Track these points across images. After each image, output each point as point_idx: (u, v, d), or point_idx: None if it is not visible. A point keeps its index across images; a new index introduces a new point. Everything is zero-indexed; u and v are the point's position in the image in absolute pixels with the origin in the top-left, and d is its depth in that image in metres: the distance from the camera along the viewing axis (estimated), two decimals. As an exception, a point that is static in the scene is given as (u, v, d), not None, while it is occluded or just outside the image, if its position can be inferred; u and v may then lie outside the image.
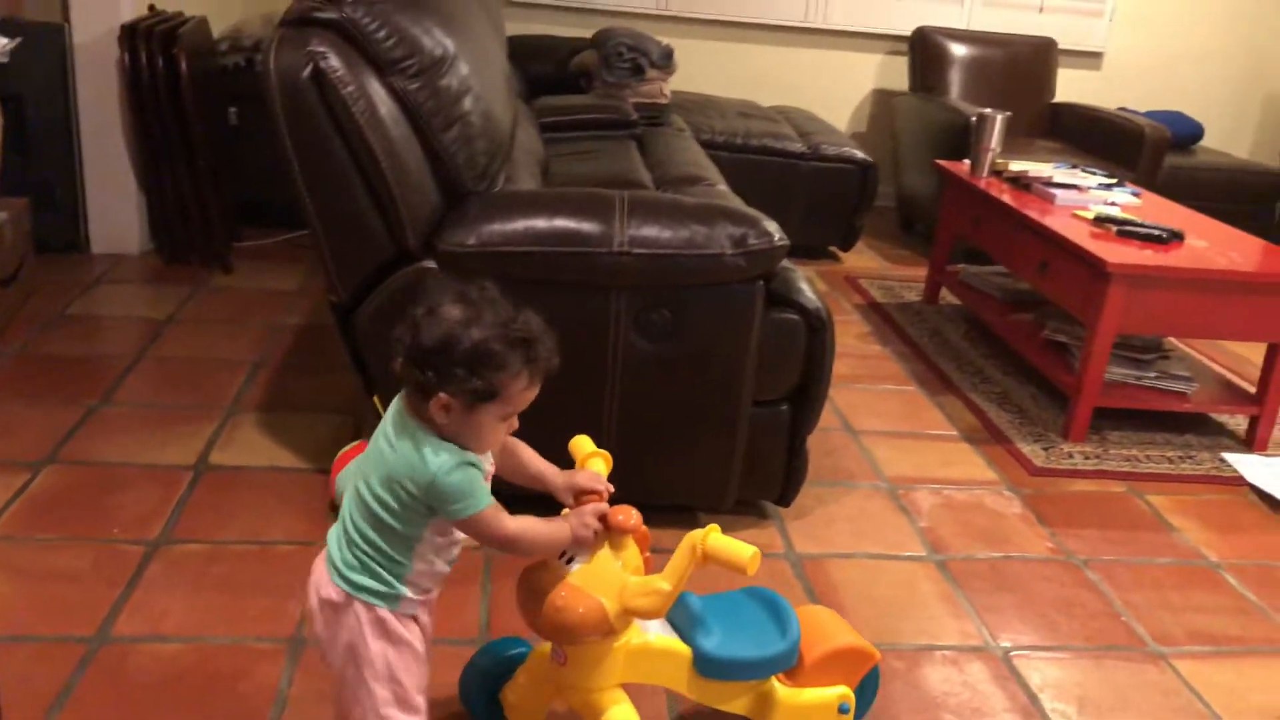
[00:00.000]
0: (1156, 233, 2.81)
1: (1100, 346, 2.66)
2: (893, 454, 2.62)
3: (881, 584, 2.08)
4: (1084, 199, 3.18)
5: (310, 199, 1.88)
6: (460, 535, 1.28)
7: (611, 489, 1.39)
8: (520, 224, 1.89)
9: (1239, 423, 2.92)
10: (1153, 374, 2.85)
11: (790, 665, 1.51)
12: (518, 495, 1.36)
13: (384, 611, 1.25)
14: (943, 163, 3.68)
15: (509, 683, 1.52)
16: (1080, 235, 2.80)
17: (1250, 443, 2.83)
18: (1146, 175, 4.30)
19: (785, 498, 2.24)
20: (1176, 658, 1.94)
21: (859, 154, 4.09)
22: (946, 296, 3.81)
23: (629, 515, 1.34)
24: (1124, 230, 2.84)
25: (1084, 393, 2.71)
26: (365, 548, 1.24)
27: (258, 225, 3.78)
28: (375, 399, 2.04)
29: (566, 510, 1.37)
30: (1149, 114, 4.80)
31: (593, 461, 1.43)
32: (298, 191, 1.87)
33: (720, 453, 2.08)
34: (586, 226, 1.88)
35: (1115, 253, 2.65)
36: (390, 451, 1.22)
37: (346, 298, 1.97)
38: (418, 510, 1.22)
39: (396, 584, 1.25)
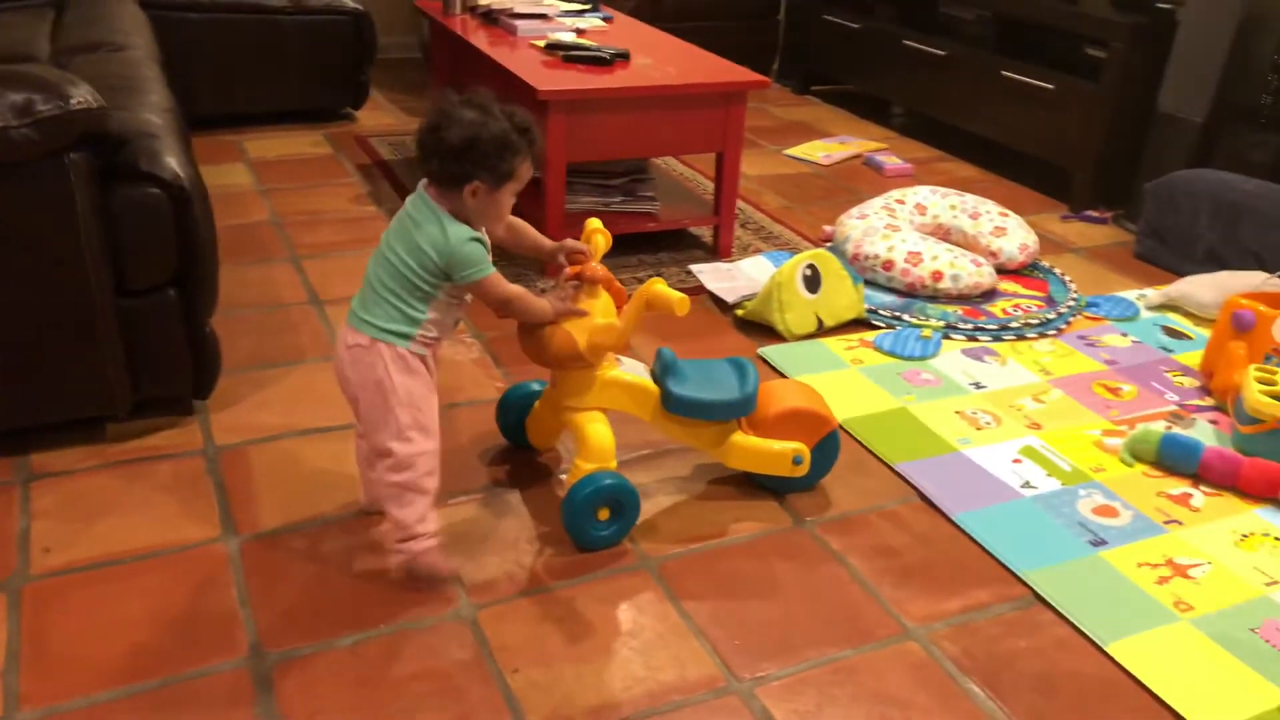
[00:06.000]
0: (602, 55, 2.80)
1: (554, 178, 2.63)
2: (356, 320, 2.49)
3: (308, 461, 1.97)
4: (547, 28, 3.11)
5: None
6: (465, 299, 1.62)
7: (595, 255, 1.76)
8: None
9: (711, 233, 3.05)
10: (618, 198, 2.88)
11: (744, 414, 1.85)
12: None
13: (402, 349, 1.56)
14: (420, 2, 3.48)
15: (530, 413, 1.96)
16: (525, 65, 2.73)
17: (716, 251, 2.97)
18: None
19: (201, 389, 2.05)
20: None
21: (350, 4, 3.79)
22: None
23: (597, 270, 1.72)
24: (570, 56, 2.80)
25: (548, 227, 2.69)
26: (389, 298, 1.55)
27: None
28: None
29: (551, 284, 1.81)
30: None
31: (595, 237, 1.79)
32: None
33: (87, 355, 1.84)
34: None
35: (550, 79, 2.61)
36: (415, 228, 1.54)
37: None
38: (436, 274, 1.54)
39: (410, 327, 1.56)
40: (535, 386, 1.97)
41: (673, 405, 1.79)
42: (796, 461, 1.88)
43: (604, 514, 1.75)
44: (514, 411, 2.00)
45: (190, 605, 1.60)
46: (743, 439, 1.86)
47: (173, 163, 1.89)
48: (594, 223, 1.82)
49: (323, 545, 1.75)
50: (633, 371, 1.82)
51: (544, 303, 1.69)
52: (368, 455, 1.71)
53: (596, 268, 1.73)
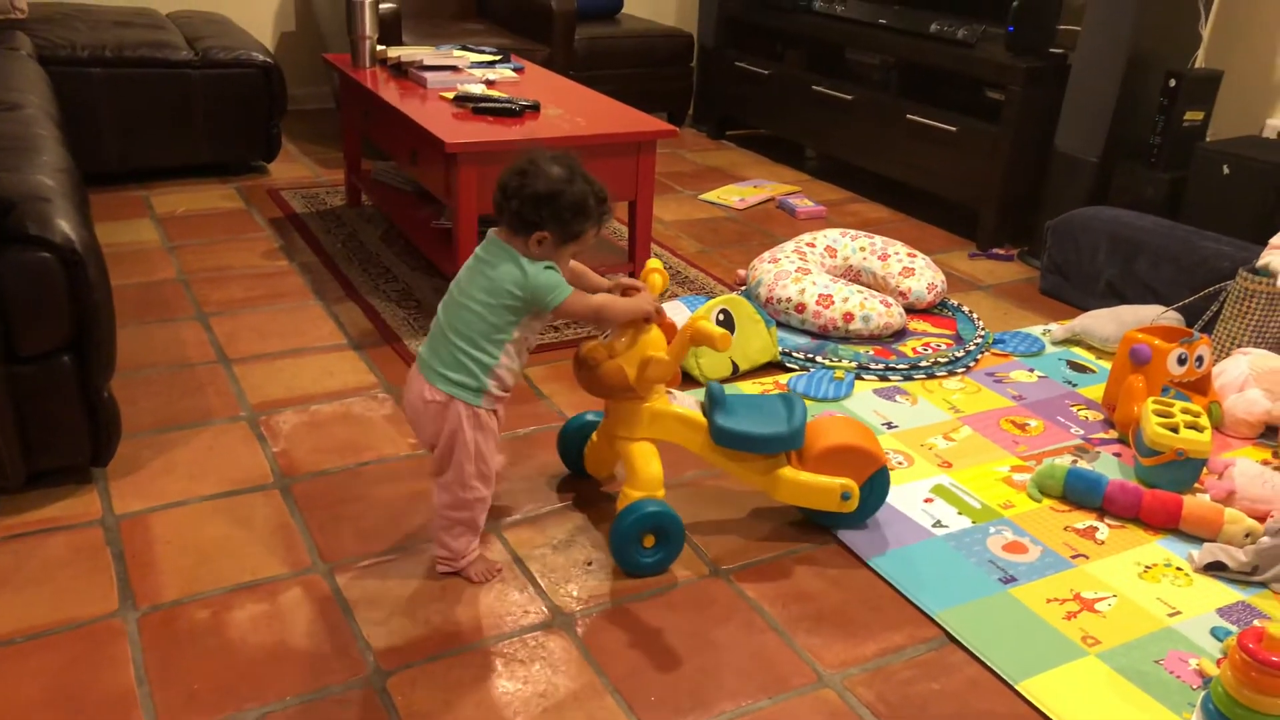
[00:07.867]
0: (512, 107, 2.81)
1: (466, 229, 2.62)
2: (266, 379, 2.43)
3: (213, 527, 1.91)
4: (457, 79, 3.12)
5: None
6: (533, 342, 1.73)
7: (652, 294, 1.83)
8: None
9: (627, 280, 3.06)
10: (532, 247, 2.88)
11: (791, 448, 1.88)
12: None
13: (476, 408, 1.68)
14: (329, 56, 3.46)
15: (589, 442, 2.05)
16: (434, 117, 2.72)
17: (632, 297, 2.98)
18: (563, 48, 4.37)
19: (99, 457, 1.99)
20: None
21: (259, 57, 3.76)
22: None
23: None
24: (480, 108, 2.80)
25: (461, 278, 2.68)
26: (463, 345, 1.65)
27: None
28: None
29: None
30: (569, -12, 4.87)
31: (652, 276, 1.88)
32: None
33: (-26, 426, 1.78)
34: None
35: (458, 132, 2.61)
36: (491, 270, 1.64)
37: None
38: (517, 310, 1.64)
39: (484, 378, 1.67)
40: (591, 417, 2.08)
41: (720, 438, 1.85)
42: (845, 497, 1.91)
43: (649, 541, 1.82)
44: (574, 442, 2.09)
45: (84, 686, 1.53)
46: (791, 473, 1.90)
47: (64, 225, 1.84)
48: (654, 262, 1.90)
49: (227, 615, 1.69)
50: (683, 404, 1.90)
51: (631, 302, 1.77)
52: None
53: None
